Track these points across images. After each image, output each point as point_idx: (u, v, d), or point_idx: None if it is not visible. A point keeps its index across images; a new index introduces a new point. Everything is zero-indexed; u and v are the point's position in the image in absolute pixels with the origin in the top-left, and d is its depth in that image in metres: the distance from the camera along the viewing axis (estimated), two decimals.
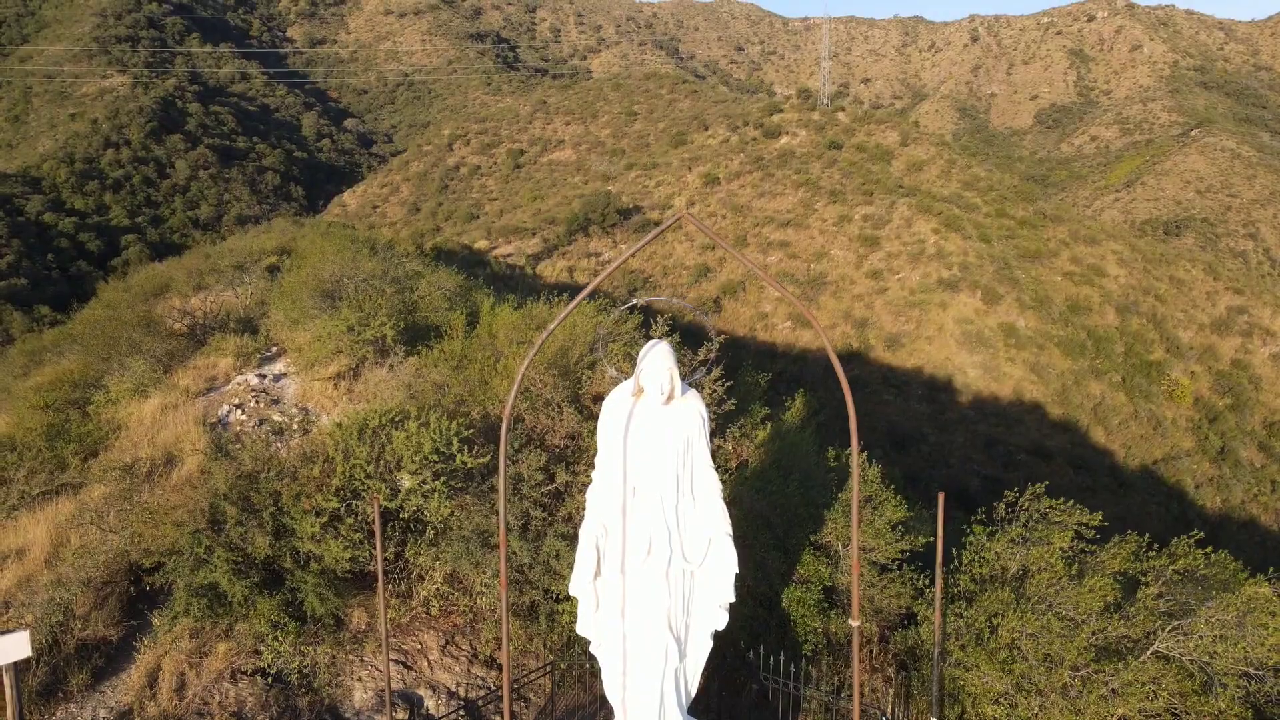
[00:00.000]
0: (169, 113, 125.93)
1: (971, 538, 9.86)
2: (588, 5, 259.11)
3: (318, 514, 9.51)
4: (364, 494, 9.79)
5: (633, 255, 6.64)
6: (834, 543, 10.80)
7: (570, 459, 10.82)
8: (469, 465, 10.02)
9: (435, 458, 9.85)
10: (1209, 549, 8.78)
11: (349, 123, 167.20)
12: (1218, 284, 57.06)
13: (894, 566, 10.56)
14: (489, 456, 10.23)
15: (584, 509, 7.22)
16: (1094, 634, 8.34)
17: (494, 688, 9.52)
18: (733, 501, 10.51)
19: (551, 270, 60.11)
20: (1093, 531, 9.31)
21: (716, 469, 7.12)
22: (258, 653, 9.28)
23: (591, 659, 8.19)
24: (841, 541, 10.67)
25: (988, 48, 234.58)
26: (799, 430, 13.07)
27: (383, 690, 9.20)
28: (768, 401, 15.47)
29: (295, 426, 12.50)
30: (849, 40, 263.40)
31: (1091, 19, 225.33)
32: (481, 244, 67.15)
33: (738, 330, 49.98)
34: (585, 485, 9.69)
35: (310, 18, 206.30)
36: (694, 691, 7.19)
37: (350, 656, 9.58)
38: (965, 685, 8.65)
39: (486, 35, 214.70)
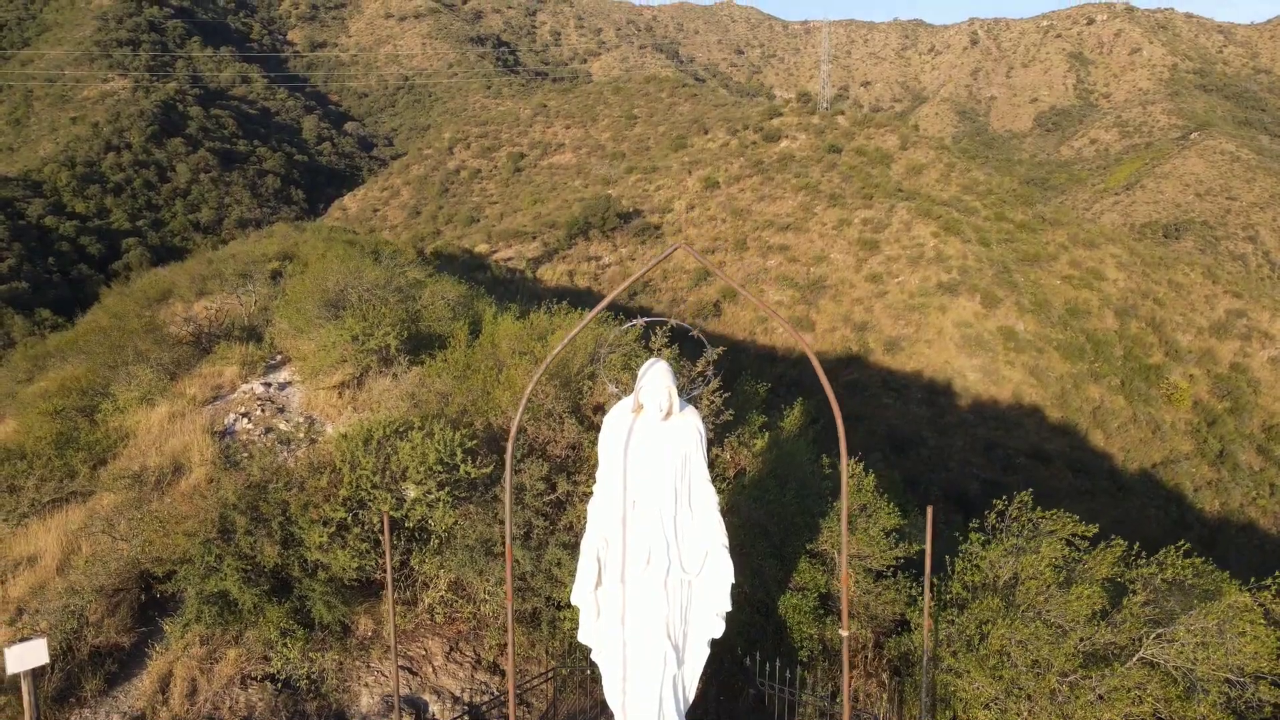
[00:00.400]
0: (170, 116, 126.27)
1: (965, 546, 10.09)
2: (588, 8, 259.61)
3: (325, 524, 9.74)
4: (370, 504, 10.02)
5: (628, 287, 6.88)
6: (830, 550, 11.02)
7: (571, 469, 11.04)
8: (473, 475, 10.24)
9: (440, 468, 10.07)
10: (1195, 558, 9.00)
11: (349, 126, 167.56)
12: (1216, 287, 57.27)
13: (889, 573, 10.79)
14: (492, 467, 10.46)
15: (585, 519, 7.46)
16: (1082, 641, 8.57)
17: (497, 693, 9.74)
18: (731, 510, 10.74)
19: (552, 274, 60.32)
20: (1084, 541, 9.54)
21: (715, 478, 7.36)
22: (267, 659, 9.51)
23: (592, 665, 8.41)
24: (837, 549, 10.89)
25: (987, 51, 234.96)
26: (796, 439, 13.29)
27: (388, 695, 9.43)
28: (767, 407, 15.70)
29: (302, 436, 12.72)
30: (849, 43, 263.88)
31: (1091, 22, 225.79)
32: (482, 248, 67.38)
33: (738, 334, 50.19)
34: (586, 495, 9.92)
35: (311, 21, 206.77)
36: (692, 697, 7.42)
37: (357, 662, 9.81)
38: (957, 690, 8.87)
39: (487, 39, 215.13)
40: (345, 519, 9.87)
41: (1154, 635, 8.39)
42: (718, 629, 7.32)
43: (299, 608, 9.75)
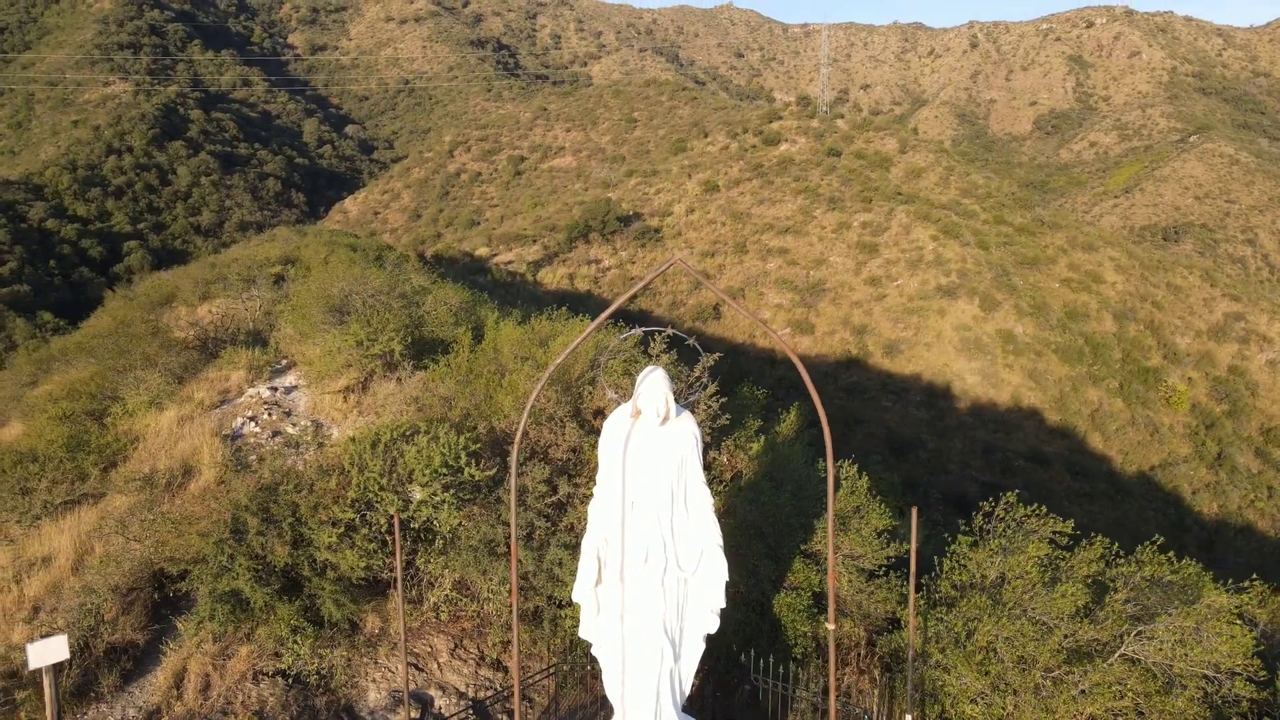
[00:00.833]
0: (171, 119, 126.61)
1: (953, 547, 10.39)
2: (588, 12, 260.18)
3: (334, 524, 10.05)
4: (378, 505, 10.32)
5: (625, 300, 7.18)
6: (823, 551, 11.31)
7: (572, 471, 11.35)
8: (476, 478, 10.55)
9: (444, 470, 10.38)
10: (1171, 554, 9.31)
11: (350, 129, 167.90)
12: (1215, 290, 57.54)
13: (881, 572, 11.08)
14: (495, 469, 10.77)
15: (585, 520, 7.78)
16: (1065, 637, 8.87)
17: (500, 688, 10.04)
18: (727, 512, 11.04)
19: (552, 277, 60.62)
20: (1066, 539, 9.84)
21: (712, 481, 7.68)
22: (278, 655, 9.81)
23: (593, 661, 8.71)
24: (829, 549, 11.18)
25: (987, 54, 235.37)
26: (791, 443, 13.58)
27: (395, 690, 9.73)
28: (765, 409, 15.99)
29: (309, 439, 13.02)
30: (848, 46, 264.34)
31: (1090, 25, 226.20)
32: (482, 251, 67.68)
33: (737, 337, 50.47)
34: (586, 497, 10.23)
35: (311, 24, 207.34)
36: (688, 690, 7.72)
37: (365, 659, 10.11)
38: (945, 686, 9.17)
39: (487, 42, 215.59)
40: (354, 520, 10.18)
41: (1135, 633, 8.70)
42: (712, 625, 7.62)
43: (309, 606, 10.06)
